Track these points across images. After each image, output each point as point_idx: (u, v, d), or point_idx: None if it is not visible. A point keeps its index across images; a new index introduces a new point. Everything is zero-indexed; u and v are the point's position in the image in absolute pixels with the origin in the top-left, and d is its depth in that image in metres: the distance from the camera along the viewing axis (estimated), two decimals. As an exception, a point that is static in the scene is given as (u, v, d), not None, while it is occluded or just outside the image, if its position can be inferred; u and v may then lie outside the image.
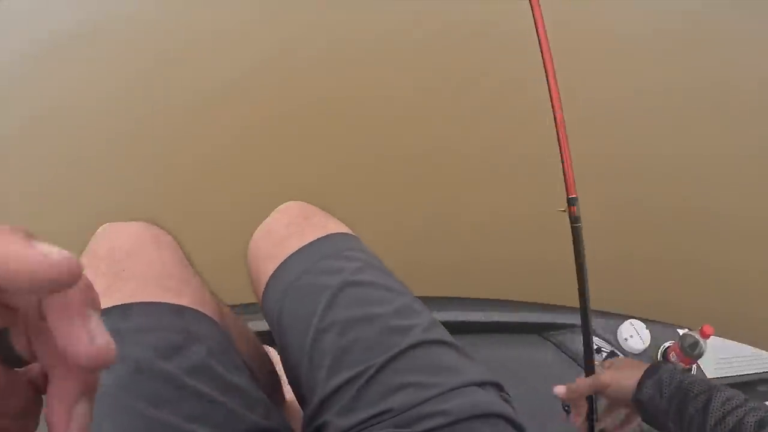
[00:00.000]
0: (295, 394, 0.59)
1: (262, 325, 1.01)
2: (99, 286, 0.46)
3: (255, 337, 0.75)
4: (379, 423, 0.49)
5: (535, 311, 1.20)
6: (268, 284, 0.60)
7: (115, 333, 0.18)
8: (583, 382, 0.68)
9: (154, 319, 0.46)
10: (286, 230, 0.63)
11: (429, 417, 0.48)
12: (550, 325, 1.19)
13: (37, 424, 0.21)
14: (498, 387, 0.55)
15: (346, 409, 0.50)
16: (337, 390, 0.51)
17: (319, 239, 0.61)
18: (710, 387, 0.56)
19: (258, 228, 0.67)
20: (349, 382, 0.51)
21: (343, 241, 0.63)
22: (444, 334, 0.57)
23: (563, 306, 1.22)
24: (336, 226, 0.64)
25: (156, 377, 0.43)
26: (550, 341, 1.18)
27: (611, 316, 1.17)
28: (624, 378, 0.63)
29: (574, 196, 0.70)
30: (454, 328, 1.15)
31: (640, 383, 0.60)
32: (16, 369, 0.20)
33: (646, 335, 1.09)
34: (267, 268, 0.61)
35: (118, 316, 0.46)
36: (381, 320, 0.54)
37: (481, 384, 0.52)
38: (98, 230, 0.55)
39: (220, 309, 0.57)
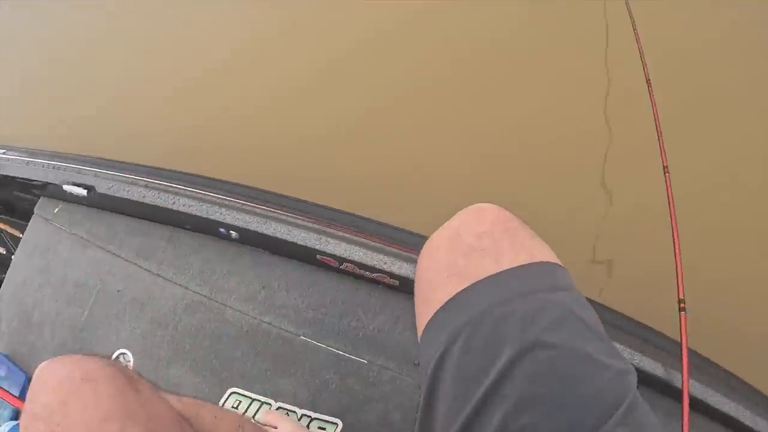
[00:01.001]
0: None
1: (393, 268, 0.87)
2: None
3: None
4: None
5: None
6: (439, 311, 0.50)
7: None
8: None
9: None
10: (478, 241, 0.50)
11: None
12: None
13: None
14: None
15: None
16: None
17: (518, 267, 0.48)
18: None
19: (442, 226, 0.55)
20: None
21: (546, 275, 0.49)
22: (645, 421, 0.42)
23: None
24: (541, 252, 0.51)
25: None
26: None
27: None
28: None
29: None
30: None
31: None
32: None
33: None
34: (443, 286, 0.50)
35: None
36: (567, 411, 0.41)
37: None
38: (35, 372, 0.52)
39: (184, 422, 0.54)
